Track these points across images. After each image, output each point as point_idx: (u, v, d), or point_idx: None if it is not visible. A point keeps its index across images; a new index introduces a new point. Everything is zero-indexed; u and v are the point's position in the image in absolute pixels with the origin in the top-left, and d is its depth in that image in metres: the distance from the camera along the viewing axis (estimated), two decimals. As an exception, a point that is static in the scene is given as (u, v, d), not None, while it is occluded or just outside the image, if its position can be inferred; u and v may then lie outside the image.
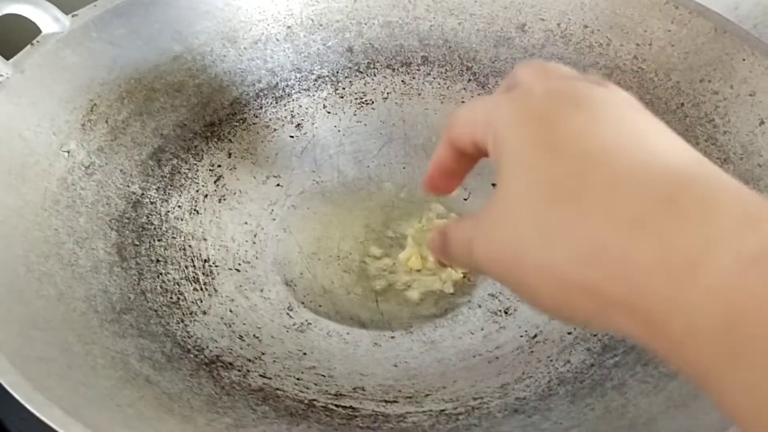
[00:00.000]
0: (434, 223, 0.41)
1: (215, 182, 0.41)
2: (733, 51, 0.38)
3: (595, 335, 0.33)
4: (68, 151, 0.36)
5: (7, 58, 0.36)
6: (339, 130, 0.46)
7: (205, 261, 0.37)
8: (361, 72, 0.47)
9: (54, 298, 0.29)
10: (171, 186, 0.39)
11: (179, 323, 0.33)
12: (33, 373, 0.24)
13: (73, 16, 0.39)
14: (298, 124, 0.45)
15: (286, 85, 0.45)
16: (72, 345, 0.27)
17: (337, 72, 0.46)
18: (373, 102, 0.46)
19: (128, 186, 0.37)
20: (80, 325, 0.28)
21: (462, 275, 0.38)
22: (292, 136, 0.45)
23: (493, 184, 0.43)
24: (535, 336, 0.34)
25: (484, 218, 0.20)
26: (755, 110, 0.36)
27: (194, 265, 0.36)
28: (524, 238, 0.18)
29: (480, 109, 0.21)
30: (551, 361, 0.32)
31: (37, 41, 0.37)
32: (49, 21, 0.38)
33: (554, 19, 0.45)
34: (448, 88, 0.46)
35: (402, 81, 0.47)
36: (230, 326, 0.34)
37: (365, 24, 0.47)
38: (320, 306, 0.37)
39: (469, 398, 0.30)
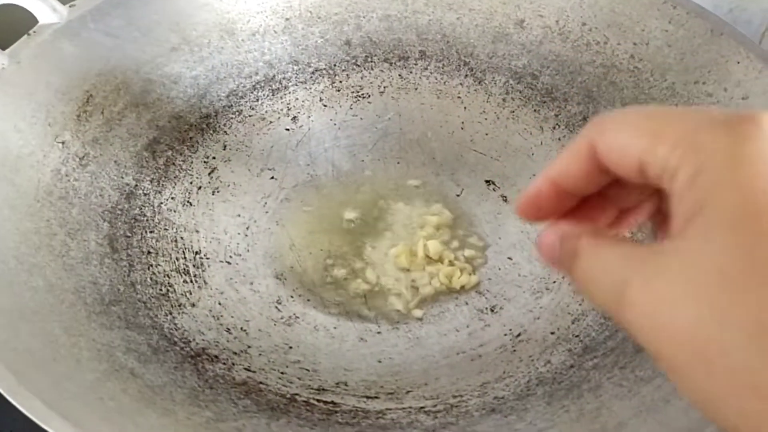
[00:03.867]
0: (427, 219, 0.42)
1: (209, 174, 0.41)
2: (729, 53, 0.38)
3: (576, 336, 0.33)
4: (63, 142, 0.36)
5: (4, 49, 0.36)
6: (335, 124, 0.46)
7: (197, 253, 0.37)
8: (359, 65, 0.47)
9: (43, 290, 0.29)
10: (165, 177, 0.40)
11: (167, 315, 0.33)
12: (18, 365, 0.24)
13: (70, 7, 0.40)
14: (294, 117, 0.45)
15: (283, 78, 0.46)
16: (58, 337, 0.27)
17: (335, 65, 0.47)
18: (369, 96, 0.47)
19: (122, 177, 0.38)
20: (68, 316, 0.29)
21: (449, 275, 0.38)
22: (287, 129, 0.45)
23: (487, 181, 0.43)
24: (519, 335, 0.34)
25: (653, 267, 0.16)
26: (747, 114, 0.36)
27: (185, 257, 0.37)
28: (720, 329, 0.14)
29: (674, 122, 0.16)
30: (532, 360, 0.32)
31: (34, 31, 0.38)
32: (46, 11, 0.38)
33: (553, 15, 0.45)
34: (445, 83, 0.46)
35: (399, 75, 0.47)
36: (218, 319, 0.34)
37: (364, 17, 0.47)
38: (309, 300, 0.37)
39: (449, 396, 0.31)
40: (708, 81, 0.39)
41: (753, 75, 0.37)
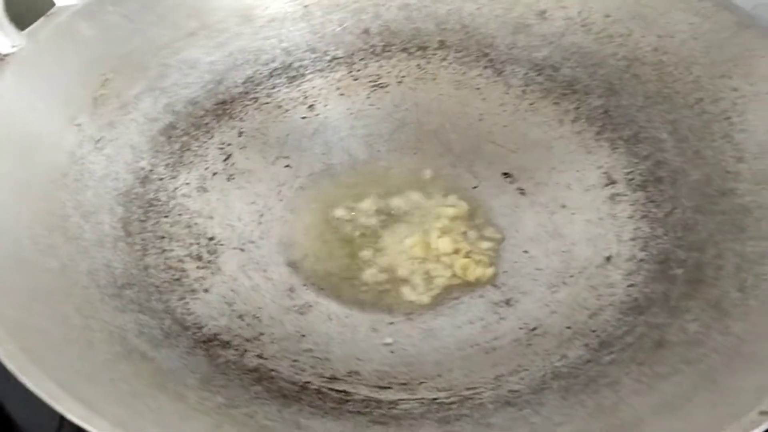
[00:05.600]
0: (443, 210, 0.41)
1: (224, 161, 0.41)
2: (755, 47, 0.37)
3: (593, 331, 0.33)
4: (79, 125, 0.36)
5: (22, 30, 0.36)
6: (351, 113, 0.45)
7: (210, 239, 0.37)
8: (377, 54, 0.46)
9: (57, 271, 0.29)
10: (180, 163, 0.39)
11: (180, 300, 0.33)
12: (30, 344, 0.24)
13: (89, -11, 0.39)
14: (311, 106, 0.45)
15: (300, 66, 0.45)
16: (71, 318, 0.27)
17: (352, 54, 0.46)
18: (387, 85, 0.46)
19: (137, 161, 0.38)
20: (81, 298, 0.29)
21: (464, 267, 0.38)
22: (303, 117, 0.45)
23: (504, 174, 0.43)
24: (535, 329, 0.34)
25: None
26: (774, 109, 0.35)
27: (199, 243, 0.37)
28: None
29: None
30: (548, 354, 0.32)
31: (52, 13, 0.38)
32: (65, -7, 0.38)
33: (575, 6, 0.44)
34: (463, 74, 0.46)
35: (417, 65, 0.46)
36: (231, 305, 0.34)
37: (383, 6, 0.46)
38: (322, 289, 0.37)
39: (463, 388, 0.30)
40: (734, 75, 0.38)
41: (780, 69, 0.36)
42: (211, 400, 0.26)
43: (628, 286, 0.34)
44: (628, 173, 0.39)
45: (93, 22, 0.39)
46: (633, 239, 0.37)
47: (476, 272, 0.38)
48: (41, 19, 0.37)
